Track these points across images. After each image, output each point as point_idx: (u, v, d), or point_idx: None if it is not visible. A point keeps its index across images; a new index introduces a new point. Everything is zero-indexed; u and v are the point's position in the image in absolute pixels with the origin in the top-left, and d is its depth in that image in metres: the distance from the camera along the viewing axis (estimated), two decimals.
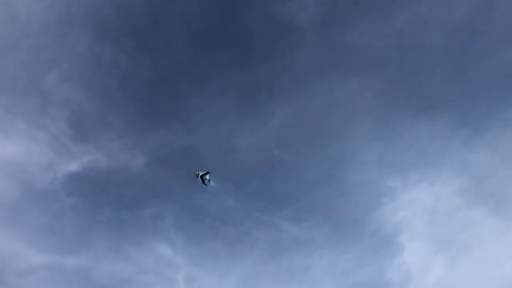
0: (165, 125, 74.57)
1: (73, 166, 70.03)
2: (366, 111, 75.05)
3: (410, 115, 74.50)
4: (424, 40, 73.25)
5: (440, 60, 73.53)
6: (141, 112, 74.70)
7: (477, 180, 70.57)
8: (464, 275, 65.47)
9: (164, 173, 73.32)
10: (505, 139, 70.22)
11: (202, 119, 74.56)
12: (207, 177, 53.97)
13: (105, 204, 70.40)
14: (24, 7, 69.64)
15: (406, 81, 74.42)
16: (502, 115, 70.93)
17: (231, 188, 71.47)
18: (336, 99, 75.19)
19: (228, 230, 70.49)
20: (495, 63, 71.26)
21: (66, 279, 64.42)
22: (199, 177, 53.29)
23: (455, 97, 73.29)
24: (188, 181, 70.62)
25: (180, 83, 75.06)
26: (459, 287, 64.70)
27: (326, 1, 74.50)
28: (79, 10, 71.21)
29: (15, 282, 62.44)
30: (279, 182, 73.83)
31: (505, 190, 68.50)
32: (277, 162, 73.29)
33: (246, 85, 75.06)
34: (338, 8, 74.22)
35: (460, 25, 72.51)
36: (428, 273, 67.08)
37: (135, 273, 66.20)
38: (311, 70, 74.75)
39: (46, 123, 70.41)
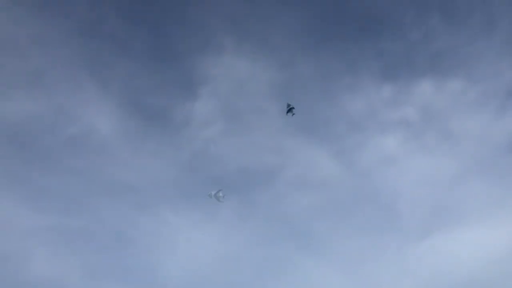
0: None
1: None
2: None
3: None
4: None
5: None
6: None
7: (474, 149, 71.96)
8: (458, 244, 67.08)
9: None
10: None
11: None
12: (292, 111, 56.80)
13: None
14: None
15: None
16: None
17: None
18: None
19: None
20: None
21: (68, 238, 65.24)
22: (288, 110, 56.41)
23: None
24: None
25: None
26: (453, 255, 66.44)
27: None
28: None
29: (17, 243, 63.12)
30: None
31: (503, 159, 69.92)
32: None
33: None
34: None
35: None
36: (424, 240, 68.87)
37: (138, 235, 67.46)
38: None
39: None
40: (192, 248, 67.41)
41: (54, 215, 65.62)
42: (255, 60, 77.15)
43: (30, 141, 68.79)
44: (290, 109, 56.01)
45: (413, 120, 75.30)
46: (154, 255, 66.16)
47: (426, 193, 70.94)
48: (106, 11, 74.58)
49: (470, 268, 63.43)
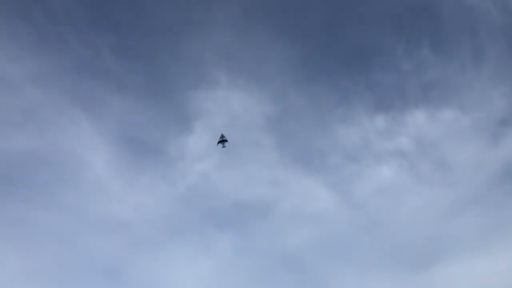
0: None
1: None
2: None
3: None
4: None
5: None
6: None
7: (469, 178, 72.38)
8: (456, 275, 66.35)
9: None
10: None
11: None
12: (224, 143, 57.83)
13: None
14: None
15: None
16: None
17: None
18: None
19: None
20: None
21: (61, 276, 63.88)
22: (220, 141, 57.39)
23: None
24: None
25: None
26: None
27: None
28: None
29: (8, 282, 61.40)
30: None
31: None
32: None
33: None
34: None
35: None
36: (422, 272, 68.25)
37: (132, 272, 66.37)
38: None
39: None
40: (188, 284, 66.40)
41: (46, 252, 64.66)
42: (248, 93, 78.01)
43: (23, 177, 68.44)
44: (222, 141, 56.84)
45: (407, 150, 75.92)
46: None
47: (422, 224, 70.75)
48: (100, 47, 75.63)
49: None
